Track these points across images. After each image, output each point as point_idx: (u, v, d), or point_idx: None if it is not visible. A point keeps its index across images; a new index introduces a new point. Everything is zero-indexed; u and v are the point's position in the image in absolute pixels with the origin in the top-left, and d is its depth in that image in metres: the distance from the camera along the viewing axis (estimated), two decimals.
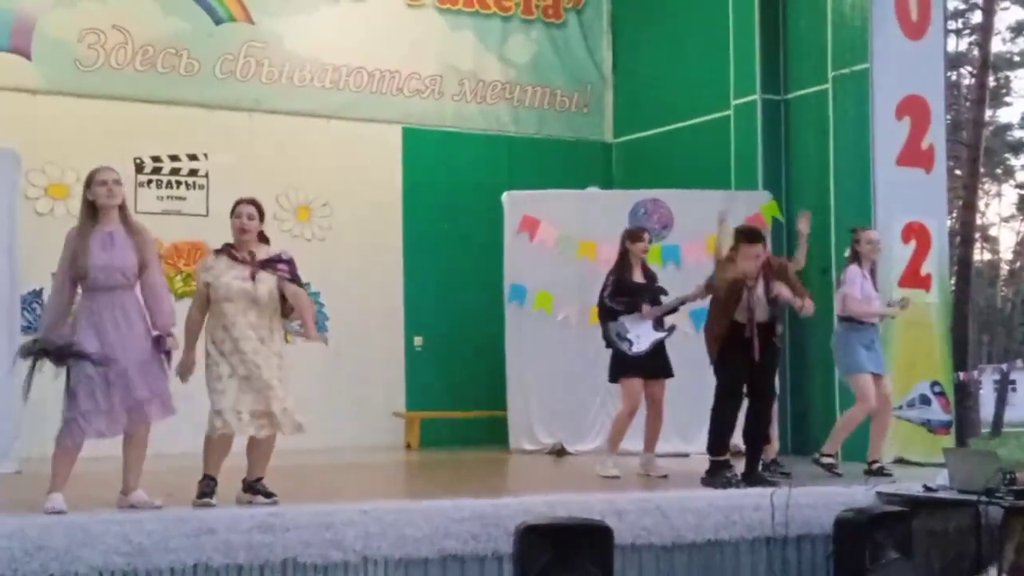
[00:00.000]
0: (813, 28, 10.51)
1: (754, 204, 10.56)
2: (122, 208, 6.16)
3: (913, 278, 9.88)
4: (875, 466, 8.30)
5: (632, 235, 8.52)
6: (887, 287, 9.67)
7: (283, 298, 6.45)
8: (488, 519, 6.13)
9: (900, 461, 9.34)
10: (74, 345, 5.87)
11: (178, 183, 10.93)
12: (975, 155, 21.28)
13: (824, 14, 10.27)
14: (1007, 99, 35.70)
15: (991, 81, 26.75)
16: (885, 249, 9.68)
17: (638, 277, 8.42)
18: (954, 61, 29.72)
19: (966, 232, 21.24)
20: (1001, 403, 27.95)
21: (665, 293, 8.40)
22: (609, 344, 8.35)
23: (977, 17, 28.58)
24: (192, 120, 10.97)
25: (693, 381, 9.16)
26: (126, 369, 5.91)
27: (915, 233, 9.92)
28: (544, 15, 12.73)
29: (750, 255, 7.44)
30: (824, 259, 9.81)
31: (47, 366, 5.92)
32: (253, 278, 6.37)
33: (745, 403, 7.69)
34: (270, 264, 6.45)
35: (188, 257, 10.73)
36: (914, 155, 9.95)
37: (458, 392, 11.53)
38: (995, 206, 39.68)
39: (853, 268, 8.47)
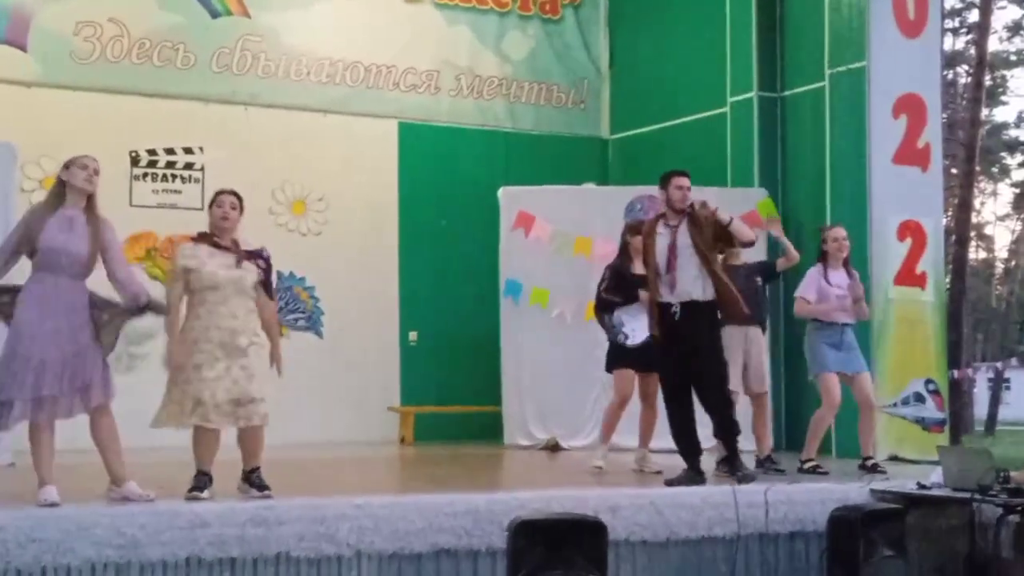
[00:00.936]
0: (810, 25, 10.51)
1: (750, 201, 10.56)
2: (91, 198, 6.06)
3: (908, 276, 9.89)
4: (869, 463, 8.29)
5: (632, 229, 8.53)
6: (883, 285, 9.69)
7: None
8: (482, 514, 6.13)
9: (894, 458, 9.34)
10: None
11: (174, 176, 10.93)
12: (971, 154, 21.33)
13: (821, 12, 10.27)
14: (1003, 98, 35.78)
15: (987, 80, 26.78)
16: (880, 247, 9.71)
17: (638, 269, 8.41)
18: (951, 60, 29.76)
19: (961, 231, 21.28)
20: (995, 401, 28.05)
21: None
22: (608, 335, 8.37)
23: (974, 16, 28.62)
24: (188, 114, 10.97)
25: None
26: (52, 360, 5.81)
27: (911, 231, 9.92)
28: (541, 11, 12.73)
29: (677, 184, 7.39)
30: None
31: None
32: (239, 265, 6.34)
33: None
34: (252, 257, 6.41)
35: (182, 259, 10.70)
36: (910, 153, 9.96)
37: (453, 387, 11.54)
38: (991, 205, 39.81)
39: (812, 270, 8.39)
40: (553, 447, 10.38)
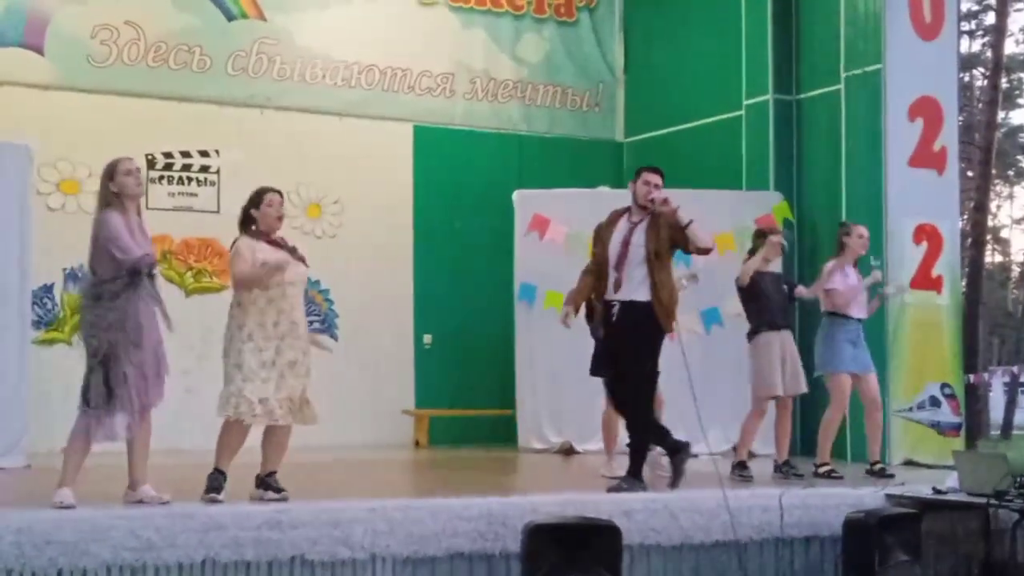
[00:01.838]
0: (826, 28, 10.49)
1: (766, 205, 10.54)
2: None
3: (924, 280, 9.86)
4: (876, 467, 8.28)
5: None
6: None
7: None
8: (496, 518, 6.12)
9: (909, 463, 9.33)
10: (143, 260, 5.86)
11: (189, 179, 10.95)
12: (987, 157, 21.21)
13: (837, 14, 10.25)
14: (1020, 101, 35.57)
15: (1004, 83, 26.67)
16: (896, 250, 9.69)
17: None
18: (967, 62, 29.62)
19: (977, 234, 21.17)
20: (1011, 405, 27.86)
21: None
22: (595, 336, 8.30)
23: (990, 19, 28.48)
24: (204, 116, 10.99)
25: (703, 381, 9.13)
26: (147, 366, 5.91)
27: (927, 235, 9.89)
28: (556, 14, 12.73)
29: (645, 179, 7.19)
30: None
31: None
32: (304, 263, 6.42)
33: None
34: (294, 251, 6.47)
35: (199, 253, 10.76)
36: (926, 156, 9.93)
37: (467, 390, 11.53)
38: (1007, 208, 39.55)
39: (829, 264, 8.45)
40: (567, 451, 10.37)
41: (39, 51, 10.38)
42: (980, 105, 27.87)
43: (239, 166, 10.78)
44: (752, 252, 8.44)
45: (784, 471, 8.15)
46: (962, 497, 6.97)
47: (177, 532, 5.55)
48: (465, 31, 12.29)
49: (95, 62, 10.60)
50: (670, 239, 7.05)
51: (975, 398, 17.45)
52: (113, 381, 5.80)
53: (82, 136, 10.13)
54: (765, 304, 8.22)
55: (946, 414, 9.84)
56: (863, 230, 8.56)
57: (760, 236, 8.49)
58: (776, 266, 8.63)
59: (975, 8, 30.85)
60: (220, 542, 5.61)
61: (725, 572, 6.67)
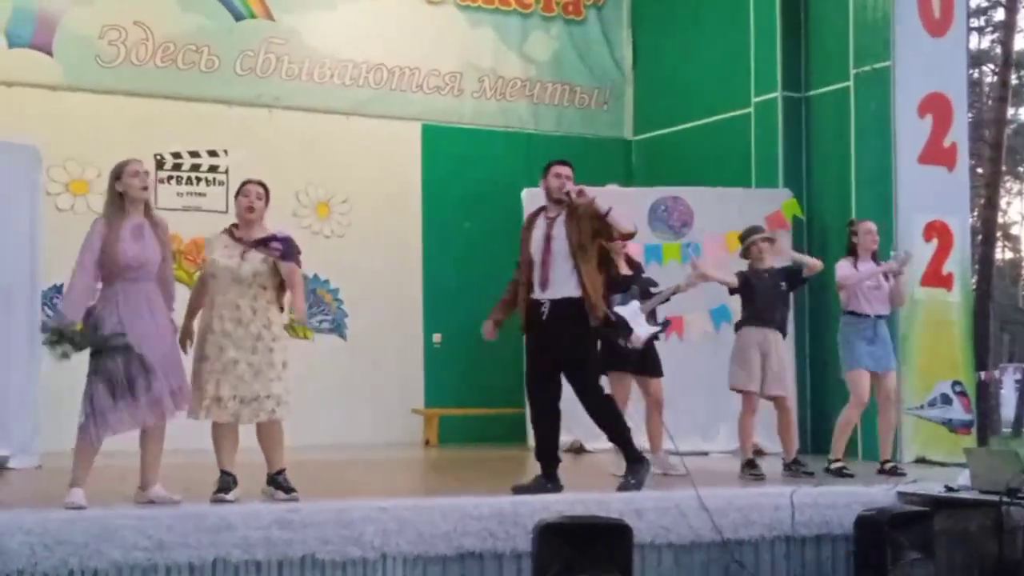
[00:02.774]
0: (835, 25, 10.46)
1: (775, 202, 10.52)
2: (147, 201, 6.20)
3: (935, 277, 9.83)
4: (888, 465, 8.26)
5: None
6: (909, 286, 9.60)
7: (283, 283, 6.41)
8: (507, 517, 6.12)
9: (921, 461, 9.30)
10: (112, 339, 5.85)
11: (198, 179, 10.97)
12: (997, 153, 21.14)
13: (846, 11, 10.23)
14: None
15: (1014, 79, 26.55)
16: (906, 247, 9.63)
17: (624, 270, 8.31)
18: (976, 59, 29.55)
19: (988, 231, 21.09)
20: (1022, 402, 27.81)
21: (655, 284, 8.30)
22: (601, 339, 8.25)
23: (1000, 15, 28.40)
24: (212, 116, 11.01)
25: (713, 380, 9.12)
26: (151, 362, 5.92)
27: (937, 232, 9.86)
28: (564, 12, 12.72)
29: (555, 172, 6.96)
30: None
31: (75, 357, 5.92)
32: (242, 257, 6.34)
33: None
34: (263, 243, 6.38)
35: (205, 250, 10.76)
36: (936, 153, 9.90)
37: (477, 389, 11.52)
38: (1017, 204, 39.44)
39: (842, 260, 8.44)
40: (577, 449, 10.34)
41: (48, 52, 10.40)
42: (990, 101, 27.80)
43: (247, 166, 10.73)
44: (744, 254, 8.41)
45: (793, 469, 8.12)
46: (974, 495, 6.95)
47: (188, 532, 5.55)
48: (473, 30, 12.28)
49: (104, 62, 10.62)
50: (592, 229, 6.86)
51: (986, 395, 17.39)
52: (109, 378, 5.83)
53: (91, 136, 10.15)
54: (754, 300, 8.19)
55: (957, 411, 9.81)
56: (869, 225, 8.54)
57: (746, 237, 8.42)
58: (779, 261, 8.56)
59: (984, 4, 30.77)
60: (231, 542, 5.61)
61: (736, 571, 6.65)
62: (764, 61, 11.03)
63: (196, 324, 6.39)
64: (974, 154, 21.37)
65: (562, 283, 6.85)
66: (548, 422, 7.05)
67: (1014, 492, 6.66)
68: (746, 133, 11.20)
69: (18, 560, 5.21)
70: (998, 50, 26.51)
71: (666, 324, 8.41)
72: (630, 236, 7.13)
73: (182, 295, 6.57)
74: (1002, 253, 35.41)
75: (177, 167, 10.89)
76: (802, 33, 10.92)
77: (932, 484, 7.33)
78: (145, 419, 5.96)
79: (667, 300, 8.28)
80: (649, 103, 12.76)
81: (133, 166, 6.12)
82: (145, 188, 6.14)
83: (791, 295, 8.65)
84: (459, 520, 6.05)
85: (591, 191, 6.88)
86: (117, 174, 6.10)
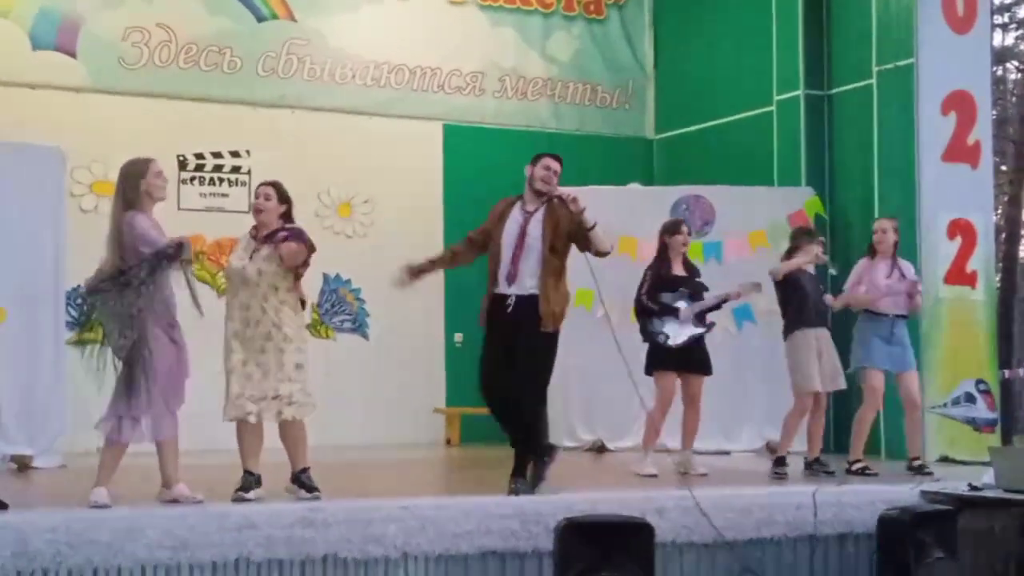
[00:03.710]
0: (857, 22, 10.42)
1: (797, 201, 10.49)
2: None
3: (959, 275, 9.78)
4: (915, 463, 8.24)
5: (669, 228, 8.47)
6: (933, 284, 9.57)
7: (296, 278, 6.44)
8: (528, 516, 6.12)
9: (945, 459, 9.25)
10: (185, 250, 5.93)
11: (221, 180, 11.01)
12: (1020, 151, 21.03)
13: (869, 8, 10.18)
14: None
15: None
16: (930, 246, 9.61)
17: (678, 270, 8.36)
18: (1000, 56, 29.32)
19: (1012, 228, 21.00)
20: None
21: (706, 288, 8.36)
22: (646, 338, 8.32)
23: None
24: (235, 117, 11.05)
25: (735, 379, 9.11)
26: (178, 366, 6.01)
27: (961, 230, 9.81)
28: (586, 11, 12.71)
29: (545, 164, 6.87)
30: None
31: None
32: (251, 257, 6.39)
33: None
34: (270, 238, 6.42)
35: (230, 254, 10.79)
36: (960, 151, 9.85)
37: None
38: None
39: (858, 263, 8.51)
40: (599, 448, 10.36)
41: (72, 54, 10.46)
42: (1013, 99, 27.60)
43: (270, 166, 10.77)
44: (790, 252, 8.38)
45: (815, 468, 8.11)
46: (999, 493, 6.91)
47: (211, 531, 5.57)
48: (495, 30, 12.29)
49: (127, 64, 10.67)
50: (569, 236, 6.77)
51: (1011, 394, 17.30)
52: (137, 381, 5.85)
53: (114, 138, 10.18)
54: (804, 301, 8.18)
55: (982, 410, 9.76)
56: (879, 223, 8.63)
57: (798, 237, 8.44)
58: (810, 267, 8.57)
59: (1008, 1, 30.56)
60: (254, 541, 5.63)
61: (758, 570, 6.63)
62: (786, 59, 11.00)
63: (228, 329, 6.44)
64: (998, 151, 21.23)
65: (530, 280, 6.75)
66: (505, 415, 6.90)
67: None
68: (768, 132, 11.17)
69: (43, 558, 5.24)
70: (1022, 47, 26.35)
71: (711, 326, 8.41)
72: (604, 255, 7.00)
73: (209, 296, 6.62)
74: None
75: (200, 168, 10.94)
76: (825, 31, 10.89)
77: (956, 483, 7.29)
78: (168, 429, 6.04)
79: (717, 307, 8.33)
80: (671, 102, 12.74)
81: (157, 166, 6.19)
82: (165, 190, 6.26)
83: None
84: (481, 519, 6.05)
85: (583, 200, 6.73)
86: (142, 173, 6.13)
